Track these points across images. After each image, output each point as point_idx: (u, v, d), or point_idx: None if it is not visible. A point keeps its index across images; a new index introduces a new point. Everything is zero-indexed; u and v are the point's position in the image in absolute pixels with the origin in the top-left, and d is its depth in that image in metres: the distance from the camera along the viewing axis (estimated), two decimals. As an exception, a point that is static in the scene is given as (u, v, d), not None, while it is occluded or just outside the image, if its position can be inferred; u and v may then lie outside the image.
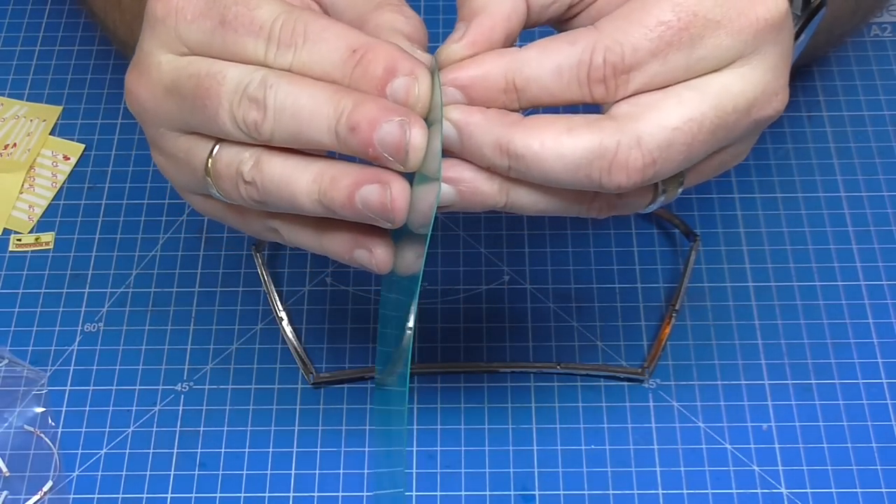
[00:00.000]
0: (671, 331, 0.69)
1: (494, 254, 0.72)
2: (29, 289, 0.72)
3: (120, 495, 0.64)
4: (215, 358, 0.69)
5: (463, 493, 0.64)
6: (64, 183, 0.76)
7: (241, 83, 0.47)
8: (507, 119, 0.47)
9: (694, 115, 0.47)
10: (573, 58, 0.47)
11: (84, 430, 0.66)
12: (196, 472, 0.65)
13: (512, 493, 0.64)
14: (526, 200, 0.49)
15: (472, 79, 0.48)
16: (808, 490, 0.64)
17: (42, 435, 0.66)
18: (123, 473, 0.65)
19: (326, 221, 0.50)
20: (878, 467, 0.64)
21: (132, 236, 0.74)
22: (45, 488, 0.64)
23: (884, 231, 0.73)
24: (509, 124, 0.47)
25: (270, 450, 0.66)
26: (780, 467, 0.64)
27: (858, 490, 0.64)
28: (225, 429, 0.66)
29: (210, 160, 0.49)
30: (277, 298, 0.70)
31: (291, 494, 0.64)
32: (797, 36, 0.55)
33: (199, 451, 0.66)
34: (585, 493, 0.64)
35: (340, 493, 0.64)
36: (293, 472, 0.65)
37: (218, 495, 0.64)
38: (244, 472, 0.65)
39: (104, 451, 0.66)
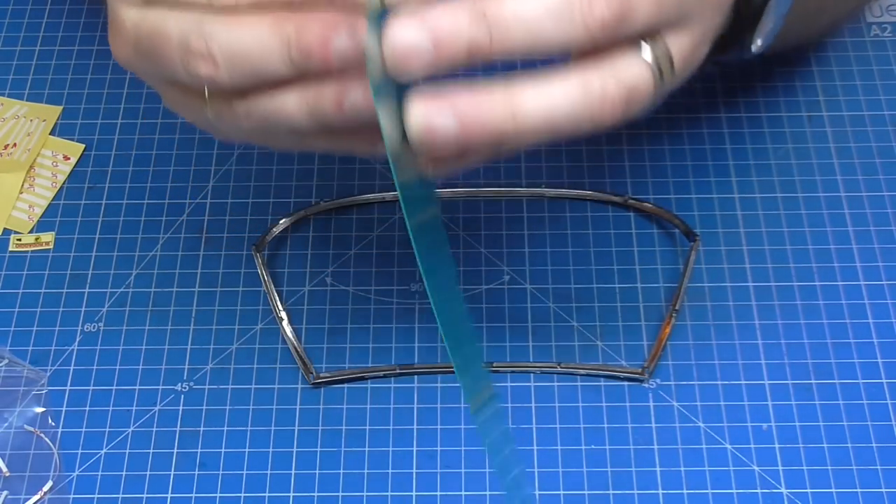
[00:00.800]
0: (671, 331, 0.69)
1: (494, 254, 0.72)
2: (29, 289, 0.72)
3: (120, 495, 0.64)
4: (215, 358, 0.69)
5: (463, 493, 0.64)
6: (64, 183, 0.76)
7: (184, 37, 0.45)
8: None
9: None
10: None
11: (84, 430, 0.66)
12: (196, 472, 0.65)
13: (512, 493, 0.64)
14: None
15: None
16: (808, 490, 0.64)
17: (42, 435, 0.66)
18: (123, 473, 0.65)
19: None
20: (878, 467, 0.64)
21: (132, 236, 0.74)
22: (45, 488, 0.64)
23: (884, 231, 0.73)
24: None
25: (270, 450, 0.66)
26: (780, 467, 0.64)
27: (858, 490, 0.64)
28: (225, 429, 0.66)
29: (207, 104, 0.48)
30: (277, 298, 0.70)
31: (291, 494, 0.64)
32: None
33: (199, 451, 0.66)
34: (585, 493, 0.64)
35: (340, 493, 0.64)
36: (293, 472, 0.65)
37: (218, 495, 0.64)
38: (244, 472, 0.65)
39: (104, 451, 0.66)
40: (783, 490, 0.64)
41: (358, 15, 0.44)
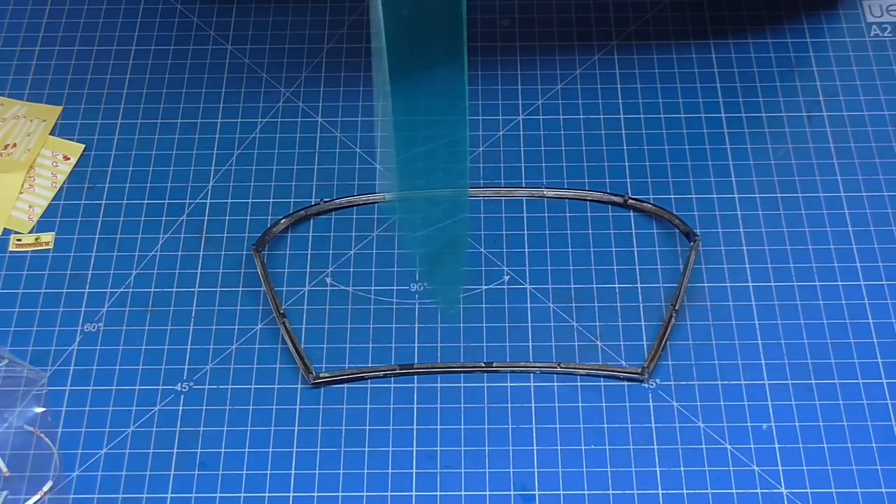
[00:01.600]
0: (671, 331, 0.69)
1: (494, 254, 0.72)
2: (29, 289, 0.72)
3: (120, 495, 0.64)
4: (215, 358, 0.69)
5: (463, 493, 0.64)
6: (64, 183, 0.76)
7: None
8: None
9: None
10: None
11: (84, 430, 0.66)
12: (196, 472, 0.65)
13: (512, 493, 0.64)
14: None
15: None
16: (808, 490, 0.64)
17: (42, 435, 0.66)
18: (123, 473, 0.65)
19: None
20: (878, 467, 0.64)
21: (132, 236, 0.74)
22: (45, 488, 0.64)
23: (884, 231, 0.73)
24: None
25: (270, 450, 0.66)
26: (780, 467, 0.64)
27: (858, 490, 0.64)
28: (225, 429, 0.66)
29: None
30: (277, 298, 0.70)
31: (291, 494, 0.64)
32: None
33: (199, 451, 0.66)
34: (585, 493, 0.64)
35: (340, 493, 0.64)
36: (293, 472, 0.65)
37: (218, 495, 0.64)
38: (244, 472, 0.65)
39: (104, 451, 0.66)
40: (783, 490, 0.64)
41: None
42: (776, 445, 0.65)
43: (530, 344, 0.69)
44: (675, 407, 0.67)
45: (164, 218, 0.74)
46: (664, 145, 0.77)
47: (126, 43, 0.82)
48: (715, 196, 0.74)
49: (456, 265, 0.60)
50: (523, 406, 0.67)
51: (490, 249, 0.73)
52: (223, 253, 0.73)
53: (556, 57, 0.81)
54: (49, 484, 0.64)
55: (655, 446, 0.65)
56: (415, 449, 0.66)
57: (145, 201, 0.75)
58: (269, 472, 0.65)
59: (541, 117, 0.78)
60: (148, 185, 0.76)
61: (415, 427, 0.66)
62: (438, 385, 0.68)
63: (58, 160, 0.77)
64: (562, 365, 0.68)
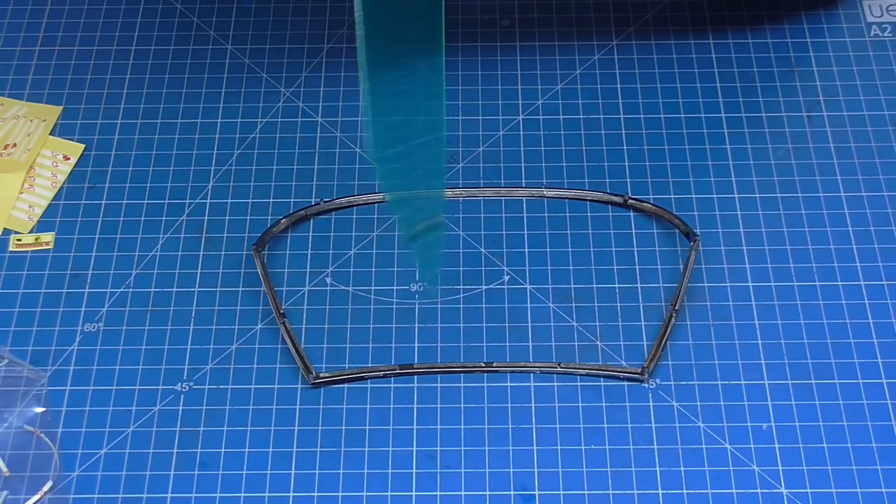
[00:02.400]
0: (671, 331, 0.69)
1: (494, 254, 0.72)
2: (29, 289, 0.72)
3: (120, 495, 0.64)
4: (215, 358, 0.69)
5: (463, 493, 0.64)
6: (64, 183, 0.76)
7: None
8: None
9: None
10: None
11: (84, 430, 0.66)
12: (196, 472, 0.65)
13: (512, 493, 0.64)
14: None
15: None
16: (808, 490, 0.64)
17: (42, 435, 0.66)
18: (123, 473, 0.65)
19: None
20: (878, 467, 0.64)
21: (132, 236, 0.74)
22: (45, 488, 0.64)
23: (884, 231, 0.73)
24: None
25: (270, 450, 0.66)
26: (780, 467, 0.64)
27: (858, 490, 0.64)
28: (225, 429, 0.66)
29: None
30: (277, 298, 0.70)
31: (291, 494, 0.64)
32: None
33: (199, 451, 0.66)
34: (585, 493, 0.64)
35: (340, 493, 0.64)
36: (293, 472, 0.65)
37: (218, 495, 0.64)
38: (244, 472, 0.65)
39: (104, 451, 0.66)
40: (783, 490, 0.64)
41: None
42: (776, 445, 0.65)
43: (530, 344, 0.69)
44: (675, 407, 0.67)
45: (164, 218, 0.74)
46: (664, 145, 0.77)
47: (126, 43, 0.82)
48: (715, 196, 0.74)
49: (435, 246, 0.61)
50: (523, 406, 0.67)
51: (490, 249, 0.73)
52: (223, 253, 0.73)
53: (556, 57, 0.81)
54: (49, 484, 0.64)
55: (655, 446, 0.65)
56: (415, 449, 0.66)
57: (145, 201, 0.75)
58: (269, 472, 0.65)
59: (541, 117, 0.78)
60: (148, 185, 0.76)
61: (415, 427, 0.66)
62: (438, 385, 0.68)
63: (58, 160, 0.77)
64: (562, 365, 0.68)
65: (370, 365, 0.68)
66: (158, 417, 0.67)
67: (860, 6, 0.83)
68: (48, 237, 0.74)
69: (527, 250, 0.73)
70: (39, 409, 0.67)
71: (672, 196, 0.74)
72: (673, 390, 0.67)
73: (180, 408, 0.67)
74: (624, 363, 0.68)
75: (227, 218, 0.74)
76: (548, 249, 0.73)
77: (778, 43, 0.81)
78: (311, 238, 0.73)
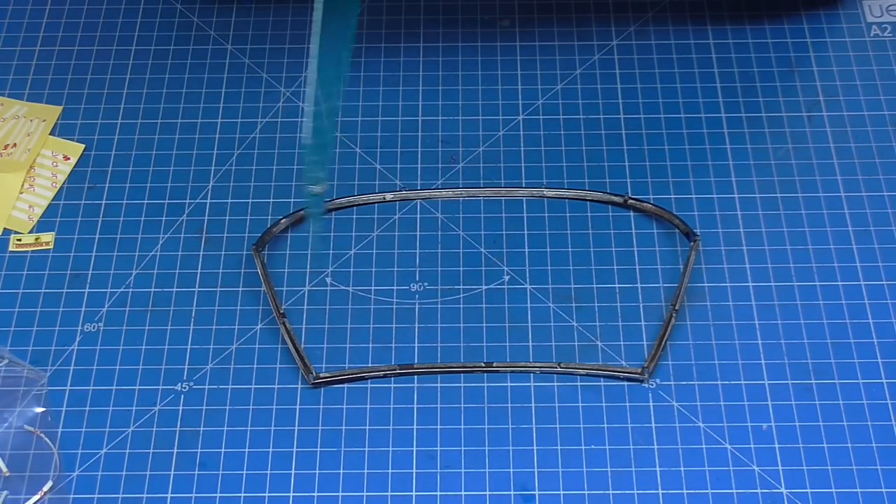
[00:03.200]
0: (671, 331, 0.69)
1: (494, 254, 0.72)
2: (29, 289, 0.72)
3: (120, 495, 0.64)
4: (215, 358, 0.69)
5: (463, 493, 0.64)
6: (64, 183, 0.76)
7: None
8: None
9: None
10: None
11: (84, 430, 0.66)
12: (196, 472, 0.65)
13: (512, 493, 0.64)
14: None
15: None
16: (808, 490, 0.64)
17: (42, 435, 0.66)
18: (123, 473, 0.65)
19: None
20: (878, 467, 0.64)
21: (132, 236, 0.74)
22: (45, 488, 0.64)
23: (884, 231, 0.73)
24: None
25: (270, 450, 0.66)
26: (780, 467, 0.64)
27: (858, 490, 0.64)
28: (225, 429, 0.66)
29: None
30: (277, 298, 0.70)
31: (291, 494, 0.64)
32: None
33: (199, 451, 0.66)
34: (585, 493, 0.64)
35: (340, 493, 0.64)
36: (293, 472, 0.65)
37: (218, 495, 0.64)
38: (244, 472, 0.65)
39: (104, 451, 0.66)
40: (783, 490, 0.64)
41: None
42: (776, 445, 0.65)
43: (530, 344, 0.69)
44: (675, 407, 0.67)
45: (164, 218, 0.74)
46: (664, 145, 0.77)
47: (126, 43, 0.82)
48: (715, 196, 0.74)
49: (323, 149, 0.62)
50: (523, 406, 0.67)
51: (490, 249, 0.73)
52: (223, 253, 0.73)
53: (556, 57, 0.81)
54: (49, 484, 0.64)
55: (655, 446, 0.65)
56: (415, 449, 0.66)
57: (145, 201, 0.75)
58: (269, 472, 0.65)
59: (541, 117, 0.78)
60: (148, 185, 0.76)
61: (415, 427, 0.66)
62: (438, 385, 0.68)
63: (58, 160, 0.77)
64: (562, 365, 0.68)
65: (370, 365, 0.68)
66: (158, 417, 0.67)
67: (860, 6, 0.83)
68: (48, 237, 0.74)
69: (527, 250, 0.73)
70: (39, 409, 0.67)
71: (672, 196, 0.74)
72: (673, 390, 0.67)
73: (180, 408, 0.67)
74: (624, 363, 0.68)
75: (227, 218, 0.74)
76: (548, 249, 0.73)
77: (778, 43, 0.81)
78: (311, 238, 0.73)
